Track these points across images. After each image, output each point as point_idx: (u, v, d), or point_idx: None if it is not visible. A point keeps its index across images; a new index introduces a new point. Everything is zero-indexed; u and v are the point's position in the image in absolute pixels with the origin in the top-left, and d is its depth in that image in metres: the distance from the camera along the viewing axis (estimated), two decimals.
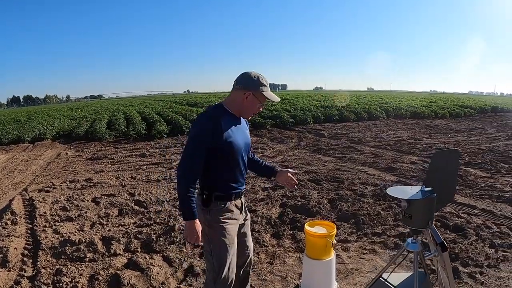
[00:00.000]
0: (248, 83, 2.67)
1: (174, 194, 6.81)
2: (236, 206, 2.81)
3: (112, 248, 4.70)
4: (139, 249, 4.72)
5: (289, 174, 3.08)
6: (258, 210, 5.92)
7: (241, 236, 2.97)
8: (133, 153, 11.53)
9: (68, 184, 8.00)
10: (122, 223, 5.56)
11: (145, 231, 5.17)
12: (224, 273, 2.74)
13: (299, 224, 5.33)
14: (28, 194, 7.24)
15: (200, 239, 2.65)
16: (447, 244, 4.69)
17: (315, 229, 3.50)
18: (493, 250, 4.55)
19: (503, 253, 4.45)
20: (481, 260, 4.30)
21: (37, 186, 7.91)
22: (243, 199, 2.92)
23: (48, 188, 7.67)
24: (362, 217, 5.50)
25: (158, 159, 10.44)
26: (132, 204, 6.34)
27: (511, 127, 18.37)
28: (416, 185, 2.77)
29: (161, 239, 4.93)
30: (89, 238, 4.98)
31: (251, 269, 3.30)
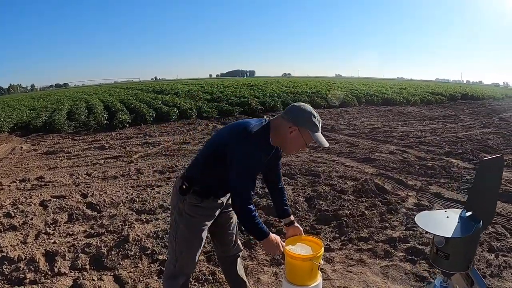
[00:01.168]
0: (297, 118, 2.48)
1: (131, 194, 6.12)
2: (213, 204, 2.75)
3: (56, 266, 4.01)
4: (87, 266, 4.05)
5: (297, 230, 2.98)
6: None
7: (221, 225, 2.95)
8: (92, 146, 10.66)
9: (18, 184, 7.12)
10: (71, 232, 4.82)
11: (94, 243, 4.46)
12: (184, 259, 2.75)
13: (273, 229, 4.69)
14: None
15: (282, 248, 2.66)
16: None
17: (298, 248, 2.83)
18: (493, 256, 4.13)
19: (504, 258, 4.05)
20: (483, 269, 3.86)
21: None
22: (224, 199, 2.84)
23: None
24: (345, 219, 4.90)
25: (118, 152, 9.64)
26: (84, 208, 5.60)
27: (483, 115, 18.60)
28: (444, 208, 2.09)
29: (113, 252, 4.25)
30: (30, 253, 4.23)
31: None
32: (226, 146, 2.48)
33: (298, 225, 2.97)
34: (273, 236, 2.62)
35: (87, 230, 4.88)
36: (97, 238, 4.61)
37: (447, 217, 1.89)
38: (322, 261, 2.78)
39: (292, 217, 2.99)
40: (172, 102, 18.83)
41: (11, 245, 4.47)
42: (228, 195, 2.84)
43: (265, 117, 2.65)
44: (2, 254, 4.23)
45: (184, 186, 2.65)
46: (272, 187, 3.01)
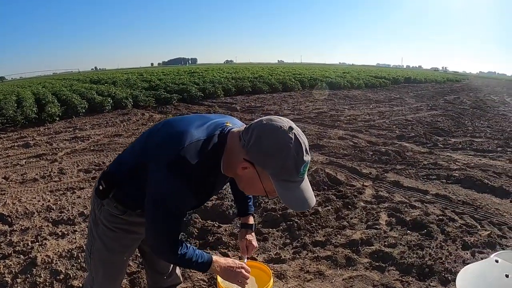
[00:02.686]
0: (259, 151, 1.52)
1: (48, 201, 5.10)
2: (140, 219, 1.92)
3: None
4: None
5: (249, 237, 2.23)
6: None
7: None
8: (16, 144, 9.27)
9: None
10: None
11: None
12: (100, 283, 2.12)
13: (211, 237, 3.88)
14: None
15: (246, 276, 1.92)
16: (414, 251, 3.54)
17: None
18: (469, 253, 3.61)
19: (481, 256, 3.53)
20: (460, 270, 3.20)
21: None
22: None
23: None
24: (296, 219, 4.17)
25: (43, 149, 8.41)
26: None
27: (428, 97, 18.94)
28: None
29: (18, 280, 3.34)
30: None
31: None
32: (146, 167, 1.66)
33: (252, 235, 2.24)
34: (220, 261, 1.89)
35: None
36: (2, 261, 3.66)
37: (507, 275, 1.16)
38: None
39: (250, 219, 2.27)
40: (107, 91, 17.35)
41: None
42: None
43: (226, 123, 1.76)
44: None
45: (101, 187, 1.89)
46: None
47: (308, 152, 1.53)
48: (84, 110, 13.43)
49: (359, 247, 3.64)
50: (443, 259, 3.43)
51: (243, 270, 1.89)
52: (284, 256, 3.53)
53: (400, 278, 3.19)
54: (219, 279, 2.03)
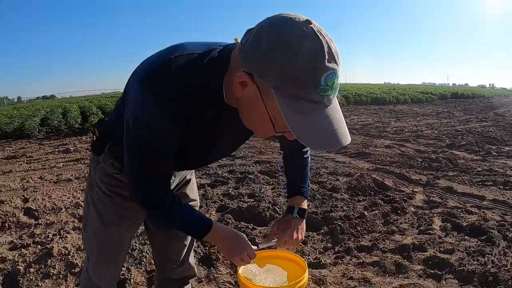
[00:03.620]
0: (257, 54, 1.00)
1: (78, 198, 4.97)
2: None
3: None
4: None
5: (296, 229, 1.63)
6: None
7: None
8: (57, 149, 9.49)
9: None
10: None
11: (11, 257, 3.33)
12: (94, 262, 1.72)
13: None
14: None
15: (252, 253, 1.47)
16: (474, 257, 3.02)
17: (262, 275, 1.66)
18: None
19: None
20: None
21: None
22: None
23: None
24: (339, 222, 3.70)
25: (82, 155, 8.43)
26: (21, 214, 4.45)
27: (477, 111, 17.79)
28: None
29: (31, 270, 3.10)
30: None
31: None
32: (127, 89, 1.28)
33: (298, 223, 1.63)
34: (224, 229, 1.48)
35: (15, 240, 3.75)
36: (18, 251, 3.50)
37: None
38: None
39: (298, 200, 1.67)
40: None
41: None
42: (177, 173, 1.69)
43: (234, 40, 1.26)
44: None
45: (94, 137, 1.52)
46: (288, 152, 1.75)
47: (337, 60, 0.99)
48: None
49: (411, 253, 3.13)
50: (508, 266, 2.88)
51: (248, 246, 1.47)
52: (325, 261, 3.07)
53: (460, 287, 2.70)
54: (240, 270, 1.63)
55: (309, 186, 1.73)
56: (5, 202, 4.97)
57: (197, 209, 1.87)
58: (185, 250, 1.86)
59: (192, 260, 1.92)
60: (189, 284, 2.00)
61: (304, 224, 1.67)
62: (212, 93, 1.17)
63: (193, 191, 1.85)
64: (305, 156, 1.71)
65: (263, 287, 1.55)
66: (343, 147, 0.96)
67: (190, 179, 1.83)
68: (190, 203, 1.77)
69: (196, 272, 1.99)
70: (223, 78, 1.16)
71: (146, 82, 1.15)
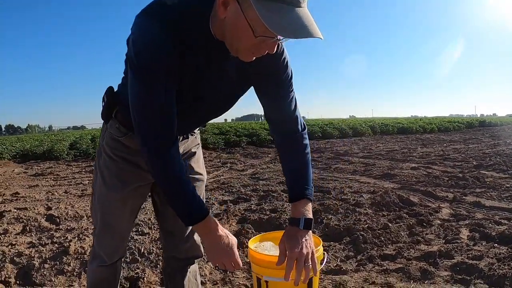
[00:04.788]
0: None
1: None
2: None
3: None
4: (11, 279, 2.95)
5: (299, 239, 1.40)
6: None
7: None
8: (84, 170, 9.69)
9: None
10: (14, 242, 3.73)
11: (27, 252, 3.34)
12: (98, 231, 1.71)
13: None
14: None
15: (237, 262, 1.39)
16: (505, 263, 2.80)
17: (275, 249, 1.55)
18: None
19: None
20: None
21: None
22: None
23: None
24: (362, 233, 3.52)
25: None
26: (43, 220, 4.48)
27: (506, 137, 17.37)
28: None
29: (46, 266, 3.09)
30: None
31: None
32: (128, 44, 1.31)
33: (305, 236, 1.41)
34: (218, 228, 1.37)
35: (34, 241, 3.75)
36: (34, 248, 3.49)
37: None
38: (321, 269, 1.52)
39: (302, 206, 1.47)
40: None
41: None
42: (182, 141, 1.70)
43: None
44: None
45: (103, 103, 1.58)
46: (281, 139, 1.58)
47: None
48: None
49: (437, 259, 2.93)
50: None
51: (236, 255, 1.38)
52: (346, 268, 2.90)
53: None
54: (253, 246, 1.53)
55: (312, 188, 1.53)
56: (28, 209, 5.06)
57: (203, 185, 1.81)
58: (189, 227, 1.74)
59: (197, 238, 1.79)
60: (195, 265, 1.88)
61: (311, 235, 1.46)
62: (199, 17, 1.25)
63: (198, 165, 1.81)
64: (303, 143, 1.56)
65: (268, 255, 1.44)
66: (315, 37, 0.93)
67: (195, 152, 1.80)
68: (195, 176, 1.74)
69: (202, 252, 1.84)
70: (211, 7, 1.23)
71: (149, 12, 1.22)
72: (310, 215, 1.46)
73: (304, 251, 1.36)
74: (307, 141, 1.57)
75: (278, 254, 1.38)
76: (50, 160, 12.38)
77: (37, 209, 5.06)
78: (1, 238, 3.89)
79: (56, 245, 3.55)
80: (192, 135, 1.77)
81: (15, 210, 5.01)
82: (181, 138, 1.66)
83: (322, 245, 1.54)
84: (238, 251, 1.41)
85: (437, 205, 4.64)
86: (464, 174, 6.68)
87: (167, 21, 1.20)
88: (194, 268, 1.85)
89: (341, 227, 3.75)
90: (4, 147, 15.46)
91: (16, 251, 3.39)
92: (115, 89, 1.60)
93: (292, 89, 1.50)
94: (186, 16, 1.22)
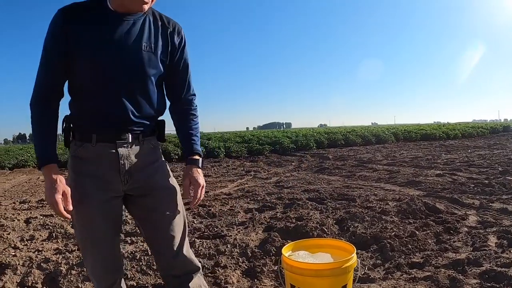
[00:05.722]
0: None
1: (126, 215, 4.89)
2: (96, 152, 1.65)
3: (1, 280, 3.05)
4: (38, 285, 3.01)
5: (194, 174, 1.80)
6: (230, 236, 3.90)
7: (147, 207, 1.77)
8: None
9: (16, 204, 6.46)
10: (41, 248, 3.82)
11: (55, 258, 3.39)
12: (84, 255, 1.79)
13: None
14: None
15: (66, 204, 1.54)
16: None
17: (309, 257, 1.60)
18: None
19: None
20: None
21: None
22: (131, 151, 1.69)
23: None
24: (389, 241, 3.49)
25: None
26: (68, 227, 4.55)
27: None
28: None
29: (73, 272, 3.13)
30: None
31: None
32: None
33: (198, 171, 1.81)
34: (56, 173, 1.57)
35: (60, 248, 3.82)
36: (61, 255, 3.54)
37: None
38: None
39: (196, 156, 1.85)
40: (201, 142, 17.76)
41: None
42: (152, 142, 1.82)
43: None
44: None
45: (63, 127, 1.72)
46: (176, 107, 1.90)
47: None
48: (177, 157, 13.71)
49: (466, 267, 2.89)
50: None
51: (57, 194, 1.51)
52: (374, 276, 2.87)
53: None
54: (286, 251, 1.58)
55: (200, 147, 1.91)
56: (54, 216, 5.14)
57: (174, 196, 1.83)
58: (174, 242, 1.76)
59: (188, 253, 1.81)
60: (196, 278, 1.84)
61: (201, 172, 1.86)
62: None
63: (165, 178, 1.85)
64: (193, 111, 1.91)
65: (312, 266, 1.48)
66: None
67: (159, 166, 1.84)
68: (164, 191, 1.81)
69: (199, 265, 1.85)
70: None
71: None
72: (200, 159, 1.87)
73: (201, 181, 1.77)
74: (196, 110, 1.93)
75: (313, 262, 1.42)
76: None
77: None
78: (28, 244, 3.99)
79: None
80: (142, 141, 1.74)
81: (41, 217, 5.15)
82: (130, 138, 1.68)
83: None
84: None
85: (464, 212, 4.57)
86: (490, 180, 6.55)
87: (70, 8, 1.58)
88: (197, 282, 1.84)
89: (368, 235, 3.73)
90: (29, 155, 16.07)
91: (43, 257, 3.46)
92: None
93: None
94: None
